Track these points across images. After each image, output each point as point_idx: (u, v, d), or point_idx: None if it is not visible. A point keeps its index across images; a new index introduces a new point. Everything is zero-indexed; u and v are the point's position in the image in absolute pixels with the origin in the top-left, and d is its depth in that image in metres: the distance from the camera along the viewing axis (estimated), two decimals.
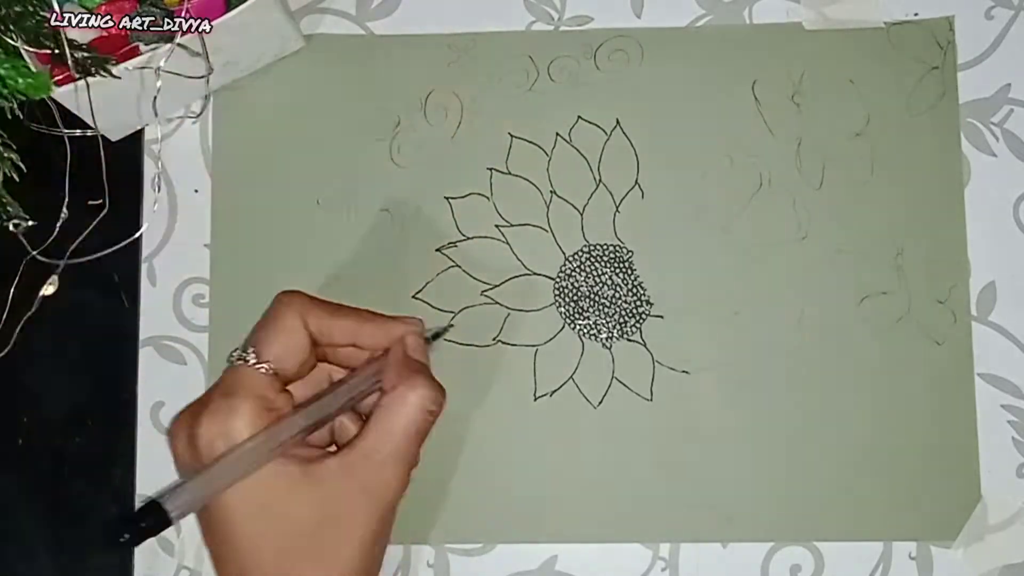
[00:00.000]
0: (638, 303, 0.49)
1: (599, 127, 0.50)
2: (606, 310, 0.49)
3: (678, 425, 0.48)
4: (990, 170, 0.49)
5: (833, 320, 0.48)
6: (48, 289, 0.48)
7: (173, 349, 0.49)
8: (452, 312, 0.49)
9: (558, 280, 0.49)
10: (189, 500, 0.38)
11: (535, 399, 0.48)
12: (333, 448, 0.44)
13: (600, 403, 0.48)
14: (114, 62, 0.43)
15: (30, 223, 0.46)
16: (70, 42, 0.42)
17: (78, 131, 0.46)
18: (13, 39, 0.42)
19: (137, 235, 0.49)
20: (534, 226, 0.49)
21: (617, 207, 0.49)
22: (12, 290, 0.48)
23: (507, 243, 0.49)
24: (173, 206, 0.50)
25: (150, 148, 0.50)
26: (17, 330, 0.48)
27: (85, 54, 0.43)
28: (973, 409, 0.48)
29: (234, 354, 0.42)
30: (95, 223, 0.47)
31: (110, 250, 0.47)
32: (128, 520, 0.37)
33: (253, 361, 0.41)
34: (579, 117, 0.50)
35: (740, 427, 0.48)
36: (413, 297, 0.49)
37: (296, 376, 0.43)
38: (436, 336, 0.47)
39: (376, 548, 0.41)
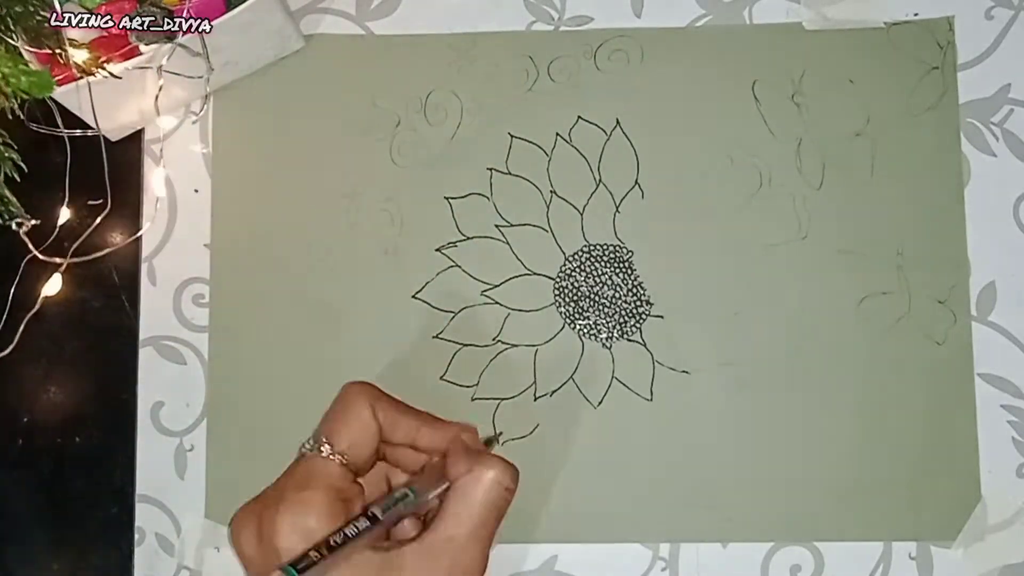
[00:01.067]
0: (638, 303, 0.49)
1: (599, 127, 0.50)
2: (606, 310, 0.49)
3: (678, 425, 0.48)
4: (990, 170, 0.49)
5: (833, 320, 0.48)
6: (50, 288, 0.48)
7: (173, 349, 0.49)
8: (452, 312, 0.49)
9: (558, 280, 0.49)
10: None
11: (535, 399, 0.48)
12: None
13: (600, 403, 0.48)
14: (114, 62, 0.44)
15: (32, 222, 0.47)
16: (70, 41, 0.42)
17: (79, 131, 0.46)
18: (14, 39, 0.42)
19: (137, 235, 0.49)
20: (534, 226, 0.49)
21: (617, 207, 0.49)
22: (13, 289, 0.48)
23: (507, 243, 0.49)
24: (173, 206, 0.50)
25: (150, 148, 0.50)
26: (20, 330, 0.48)
27: (85, 54, 0.43)
28: (973, 409, 0.48)
29: (306, 445, 0.41)
30: (96, 223, 0.47)
31: (111, 249, 0.48)
32: None
33: (327, 452, 0.41)
34: (579, 117, 0.50)
35: (740, 427, 0.48)
36: (413, 297, 0.49)
37: (364, 469, 0.42)
38: (487, 444, 0.46)
39: None
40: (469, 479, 0.40)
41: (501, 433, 0.47)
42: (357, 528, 0.39)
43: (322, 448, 0.41)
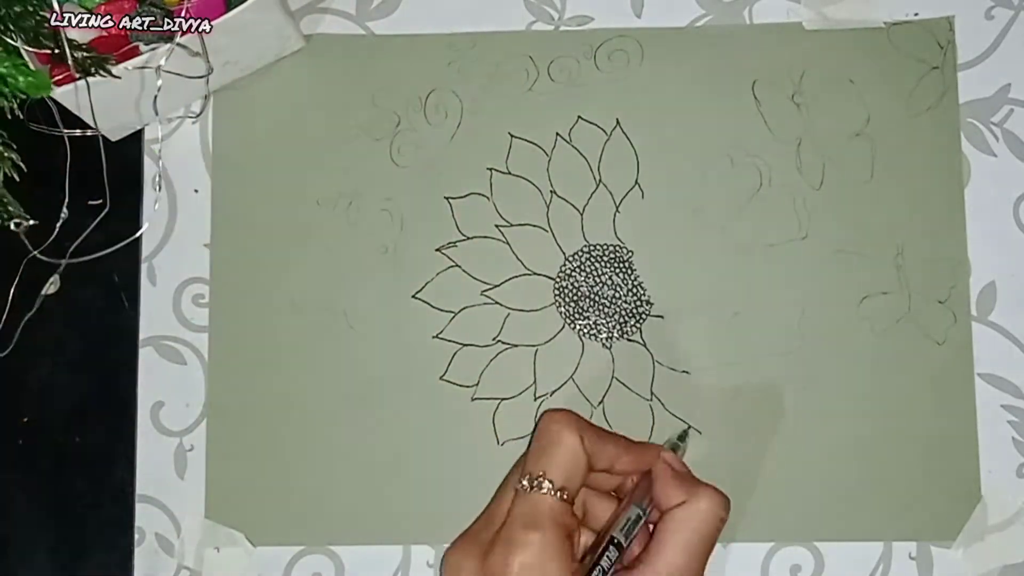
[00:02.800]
0: (638, 303, 0.49)
1: (599, 127, 0.50)
2: (606, 310, 0.49)
3: (678, 425, 0.48)
4: (990, 170, 0.49)
5: (833, 320, 0.48)
6: (50, 288, 0.48)
7: (173, 349, 0.49)
8: (452, 312, 0.49)
9: (558, 280, 0.49)
10: None
11: (535, 399, 0.48)
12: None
13: (600, 403, 0.48)
14: (114, 62, 0.44)
15: (31, 223, 0.46)
16: (70, 42, 0.42)
17: (78, 131, 0.46)
18: (13, 39, 0.42)
19: (137, 235, 0.49)
20: (534, 226, 0.49)
21: (617, 207, 0.49)
22: (12, 289, 0.48)
23: (507, 243, 0.49)
24: (173, 206, 0.50)
25: (150, 148, 0.50)
26: (19, 330, 0.48)
27: (85, 54, 0.43)
28: (973, 409, 0.48)
29: (523, 482, 0.40)
30: (95, 223, 0.47)
31: (110, 249, 0.48)
32: None
33: (548, 489, 0.40)
34: (579, 117, 0.50)
35: (740, 427, 0.48)
36: (413, 297, 0.49)
37: (574, 498, 0.41)
38: (680, 440, 0.46)
39: None
40: (685, 509, 0.40)
41: (690, 427, 0.47)
42: (610, 559, 0.39)
43: (543, 485, 0.40)
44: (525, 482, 0.40)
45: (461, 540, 0.42)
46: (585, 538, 0.42)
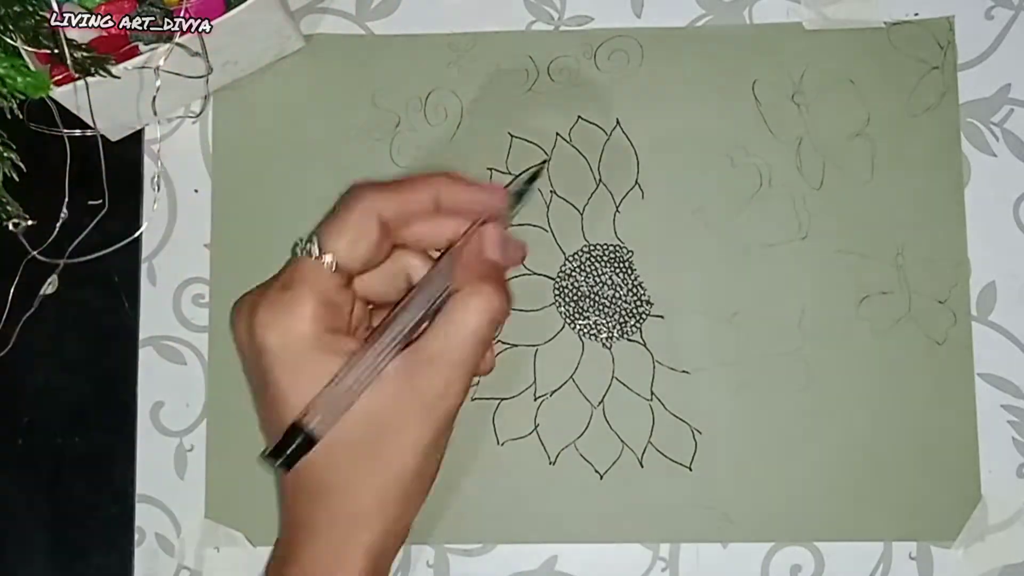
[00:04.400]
0: (638, 303, 0.49)
1: (599, 127, 0.50)
2: (606, 310, 0.49)
3: (678, 425, 0.48)
4: (990, 170, 0.49)
5: (833, 320, 0.48)
6: (48, 289, 0.48)
7: (173, 349, 0.49)
8: None
9: (558, 280, 0.49)
10: (331, 416, 0.38)
11: (535, 399, 0.48)
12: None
13: (600, 403, 0.48)
14: (113, 62, 0.43)
15: (30, 223, 0.46)
16: (69, 42, 0.42)
17: (78, 131, 0.46)
18: (13, 39, 0.42)
19: (137, 235, 0.49)
20: (534, 226, 0.49)
21: (617, 207, 0.49)
22: (12, 290, 0.48)
23: None
24: (173, 206, 0.50)
25: (150, 148, 0.50)
26: (17, 330, 0.48)
27: (85, 54, 0.43)
28: (973, 409, 0.48)
29: (299, 245, 0.41)
30: (95, 223, 0.47)
31: (110, 250, 0.47)
32: (279, 450, 0.38)
33: (316, 253, 0.40)
34: (579, 117, 0.50)
35: (740, 427, 0.48)
36: None
37: (364, 269, 0.41)
38: (530, 182, 0.44)
39: (433, 456, 0.41)
40: (458, 301, 0.40)
41: (547, 163, 0.46)
42: (396, 335, 0.39)
43: (312, 250, 0.40)
44: (300, 246, 0.41)
45: (249, 291, 0.42)
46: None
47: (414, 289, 0.41)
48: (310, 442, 0.38)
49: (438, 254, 0.42)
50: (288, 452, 0.38)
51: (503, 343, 0.49)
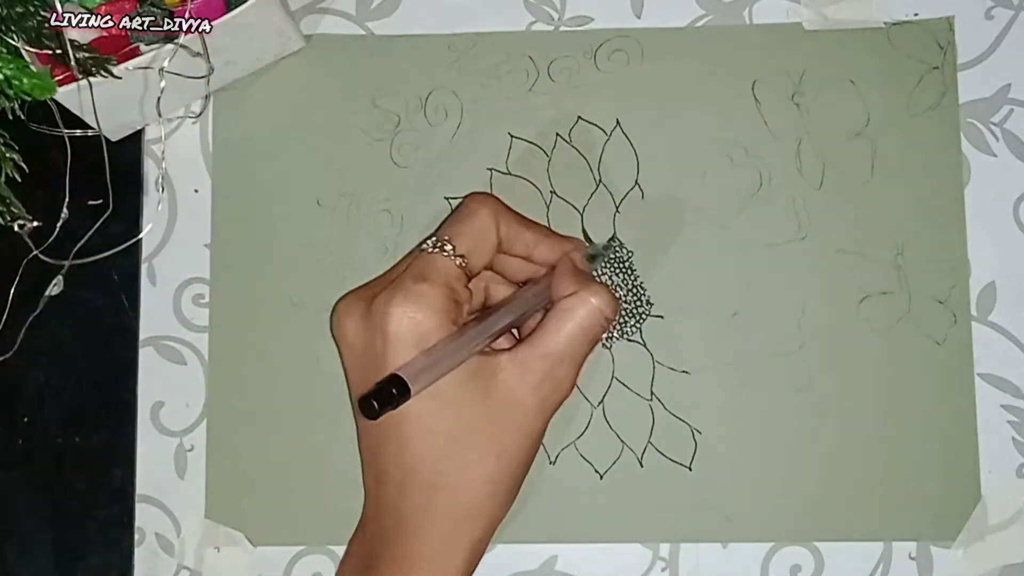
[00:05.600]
0: (638, 303, 0.49)
1: (599, 127, 0.50)
2: None
3: (678, 425, 0.48)
4: (990, 170, 0.49)
5: (833, 320, 0.48)
6: (54, 290, 0.48)
7: (173, 349, 0.49)
8: None
9: None
10: (426, 377, 0.39)
11: None
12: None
13: (600, 403, 0.48)
14: (115, 63, 0.44)
15: (35, 224, 0.47)
16: (71, 42, 0.42)
17: (79, 131, 0.46)
18: (14, 39, 0.42)
19: (140, 236, 0.49)
20: None
21: (617, 207, 0.49)
22: (13, 290, 0.48)
23: None
24: (173, 206, 0.50)
25: (150, 148, 0.50)
26: (23, 331, 0.48)
27: (87, 54, 0.43)
28: (973, 409, 0.48)
29: (427, 243, 0.42)
30: (98, 223, 0.47)
31: (113, 251, 0.47)
32: (376, 395, 0.37)
33: (449, 252, 0.41)
34: (579, 117, 0.50)
35: (740, 427, 0.48)
36: None
37: (476, 275, 0.43)
38: (594, 257, 0.47)
39: (537, 446, 0.42)
40: (575, 299, 0.41)
41: (613, 239, 0.48)
42: (491, 330, 0.40)
43: (445, 248, 0.41)
44: (429, 243, 0.42)
45: (355, 290, 0.43)
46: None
47: (517, 291, 0.44)
48: (405, 392, 0.38)
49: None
50: (384, 396, 0.37)
51: None
